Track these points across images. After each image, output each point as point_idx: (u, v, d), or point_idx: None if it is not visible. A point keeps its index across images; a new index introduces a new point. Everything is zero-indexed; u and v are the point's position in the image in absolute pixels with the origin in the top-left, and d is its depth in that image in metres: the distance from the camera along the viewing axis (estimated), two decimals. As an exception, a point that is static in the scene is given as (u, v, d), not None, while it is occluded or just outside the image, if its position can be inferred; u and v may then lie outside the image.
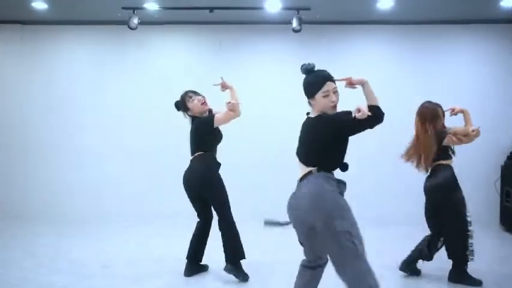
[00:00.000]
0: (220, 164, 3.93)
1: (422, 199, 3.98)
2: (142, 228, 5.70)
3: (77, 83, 6.55)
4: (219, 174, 3.91)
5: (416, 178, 4.13)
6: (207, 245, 4.02)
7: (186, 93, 4.00)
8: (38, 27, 6.51)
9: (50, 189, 6.42)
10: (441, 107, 3.97)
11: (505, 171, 5.94)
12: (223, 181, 3.88)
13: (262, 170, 6.08)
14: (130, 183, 6.37)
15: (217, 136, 3.97)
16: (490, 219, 6.04)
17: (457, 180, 3.91)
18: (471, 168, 6.10)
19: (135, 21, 5.65)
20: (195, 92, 4.00)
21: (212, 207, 3.96)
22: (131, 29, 5.67)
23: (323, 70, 2.83)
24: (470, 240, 3.77)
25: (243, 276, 3.82)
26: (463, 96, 6.19)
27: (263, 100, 6.25)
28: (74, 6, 5.79)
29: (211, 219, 4.03)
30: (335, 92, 2.77)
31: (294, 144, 2.81)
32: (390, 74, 6.29)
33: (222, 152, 4.02)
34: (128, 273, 4.00)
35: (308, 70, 2.81)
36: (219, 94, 3.98)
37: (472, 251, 3.76)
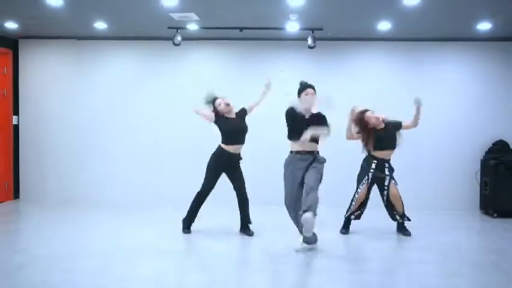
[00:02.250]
0: (226, 153, 5.26)
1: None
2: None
3: (122, 90, 7.49)
4: (215, 161, 5.25)
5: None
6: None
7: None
8: (91, 42, 7.47)
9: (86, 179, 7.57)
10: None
11: (484, 164, 6.93)
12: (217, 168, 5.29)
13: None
14: (149, 176, 7.43)
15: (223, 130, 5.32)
16: (472, 205, 7.08)
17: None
18: (456, 162, 7.14)
19: (179, 38, 6.65)
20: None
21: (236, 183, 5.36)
22: (175, 45, 6.67)
23: (306, 82, 4.95)
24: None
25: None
26: (448, 101, 7.17)
27: (283, 108, 7.26)
28: (127, 25, 6.78)
29: (238, 192, 5.36)
30: (312, 94, 4.84)
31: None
32: (389, 83, 7.24)
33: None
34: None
35: (301, 83, 4.98)
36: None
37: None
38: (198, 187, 5.38)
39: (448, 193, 7.16)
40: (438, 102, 7.19)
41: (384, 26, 6.47)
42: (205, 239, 5.26)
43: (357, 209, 5.51)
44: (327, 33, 6.87)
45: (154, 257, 4.55)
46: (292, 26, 6.57)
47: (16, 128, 7.62)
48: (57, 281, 3.79)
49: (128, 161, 7.53)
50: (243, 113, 5.44)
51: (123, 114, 7.54)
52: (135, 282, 3.83)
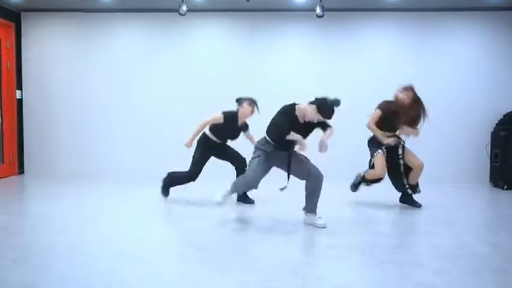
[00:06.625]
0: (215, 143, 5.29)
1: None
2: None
3: (127, 64, 7.37)
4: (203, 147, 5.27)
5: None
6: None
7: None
8: (96, 15, 7.35)
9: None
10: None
11: (494, 136, 6.84)
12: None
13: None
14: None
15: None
16: (481, 177, 6.99)
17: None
18: (465, 134, 7.07)
19: (184, 8, 6.53)
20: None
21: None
22: (180, 15, 6.56)
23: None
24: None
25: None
26: (459, 72, 7.09)
27: (290, 78, 7.15)
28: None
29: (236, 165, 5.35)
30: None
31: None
32: (398, 55, 7.13)
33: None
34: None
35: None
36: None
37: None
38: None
39: (457, 166, 7.09)
40: (449, 74, 7.13)
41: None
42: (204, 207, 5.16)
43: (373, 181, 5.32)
44: (332, 4, 6.74)
45: (162, 221, 4.49)
46: (300, -7, 6.48)
47: (20, 102, 7.53)
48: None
49: (135, 135, 7.44)
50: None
51: (129, 88, 7.44)
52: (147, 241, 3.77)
